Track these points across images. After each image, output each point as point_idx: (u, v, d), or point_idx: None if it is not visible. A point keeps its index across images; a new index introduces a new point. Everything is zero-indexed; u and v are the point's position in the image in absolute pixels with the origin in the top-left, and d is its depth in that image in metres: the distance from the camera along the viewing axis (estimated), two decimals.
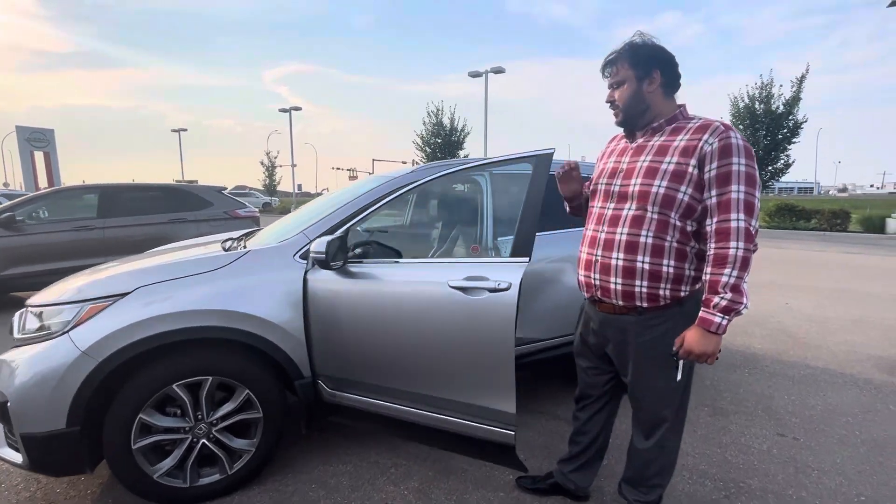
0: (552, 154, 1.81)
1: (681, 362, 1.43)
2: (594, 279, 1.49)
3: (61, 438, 1.66)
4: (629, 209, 1.43)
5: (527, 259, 1.68)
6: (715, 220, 1.33)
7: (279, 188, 38.26)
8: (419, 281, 1.86)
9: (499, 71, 20.68)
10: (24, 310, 1.89)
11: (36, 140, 24.83)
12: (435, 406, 1.87)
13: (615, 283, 1.44)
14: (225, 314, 1.82)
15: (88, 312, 1.73)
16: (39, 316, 1.78)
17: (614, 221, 1.46)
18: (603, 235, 1.47)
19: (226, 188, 7.02)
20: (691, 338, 1.33)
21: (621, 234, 1.43)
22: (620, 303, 1.45)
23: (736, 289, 1.27)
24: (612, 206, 1.48)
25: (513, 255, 1.73)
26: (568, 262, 2.58)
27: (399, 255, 2.06)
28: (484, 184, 2.54)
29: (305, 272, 1.96)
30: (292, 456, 2.21)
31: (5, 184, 49.48)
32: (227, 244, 2.41)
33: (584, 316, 1.70)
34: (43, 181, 24.23)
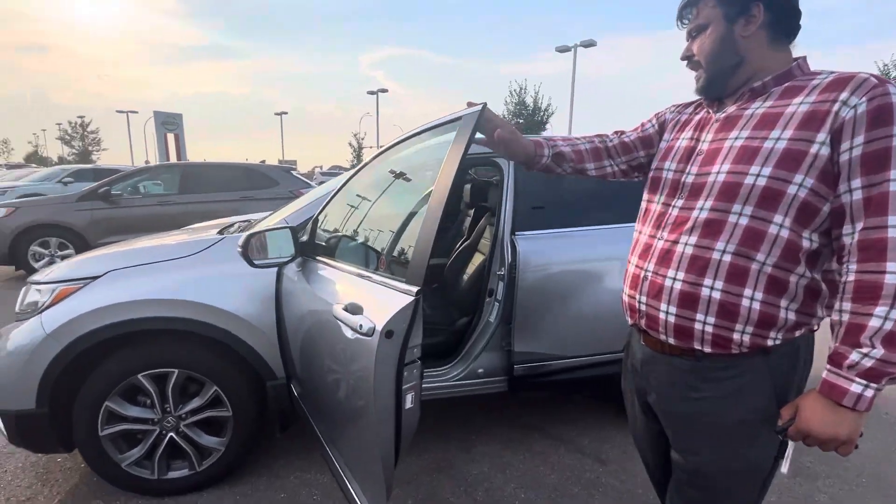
0: (479, 114, 1.12)
1: (790, 447, 0.94)
2: (639, 302, 1.05)
3: (31, 418, 1.66)
4: (702, 209, 0.96)
5: (417, 289, 1.11)
6: (859, 226, 0.82)
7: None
8: (319, 297, 1.51)
9: (589, 44, 19.11)
10: (27, 285, 1.95)
11: (168, 123, 28.43)
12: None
13: (666, 313, 0.98)
14: (189, 305, 1.70)
15: (59, 294, 1.71)
16: (33, 293, 1.81)
17: (679, 225, 0.99)
18: (660, 244, 1.01)
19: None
20: (811, 412, 0.86)
21: (686, 244, 0.96)
22: (671, 340, 1.00)
23: (893, 341, 0.77)
24: (681, 203, 1.01)
25: (407, 280, 1.17)
26: (609, 266, 2.11)
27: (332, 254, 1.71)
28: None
29: (279, 265, 1.76)
30: (274, 458, 2.08)
31: (147, 161, 57.97)
32: (234, 228, 2.32)
33: (627, 346, 1.25)
34: (173, 159, 27.77)
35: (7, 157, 53.56)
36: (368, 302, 1.20)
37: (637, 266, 1.05)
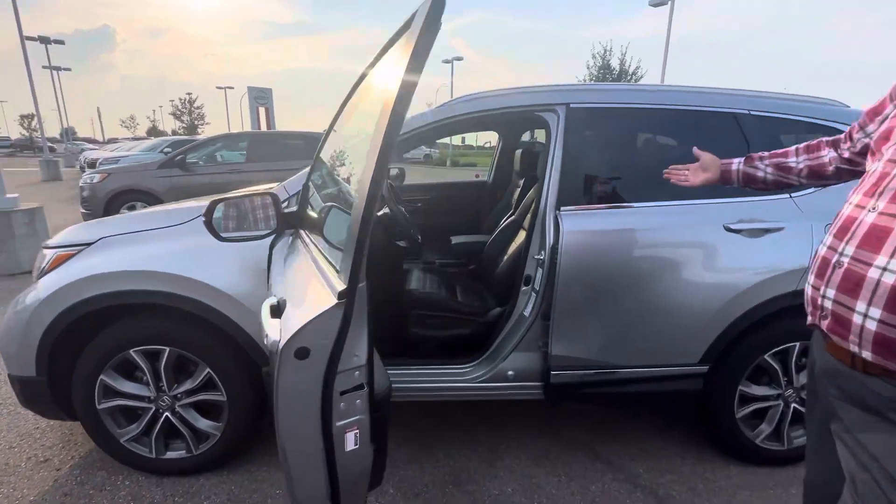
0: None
1: None
2: (824, 297, 0.80)
3: (33, 385, 1.63)
4: None
5: (341, 289, 0.80)
6: None
7: (439, 140, 39.71)
8: (278, 286, 1.25)
9: None
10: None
11: (260, 98, 30.23)
12: None
13: (864, 316, 0.73)
14: (172, 279, 1.53)
15: (56, 260, 1.62)
16: (40, 257, 1.76)
17: None
18: (870, 218, 0.75)
19: None
20: None
21: None
22: (867, 354, 0.74)
23: None
24: None
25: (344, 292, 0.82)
26: (685, 254, 1.62)
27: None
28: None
29: (273, 237, 1.52)
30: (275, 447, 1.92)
31: None
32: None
33: (809, 352, 0.97)
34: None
35: (133, 131, 61.03)
36: (302, 299, 0.88)
37: (830, 247, 0.81)
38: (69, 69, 32.72)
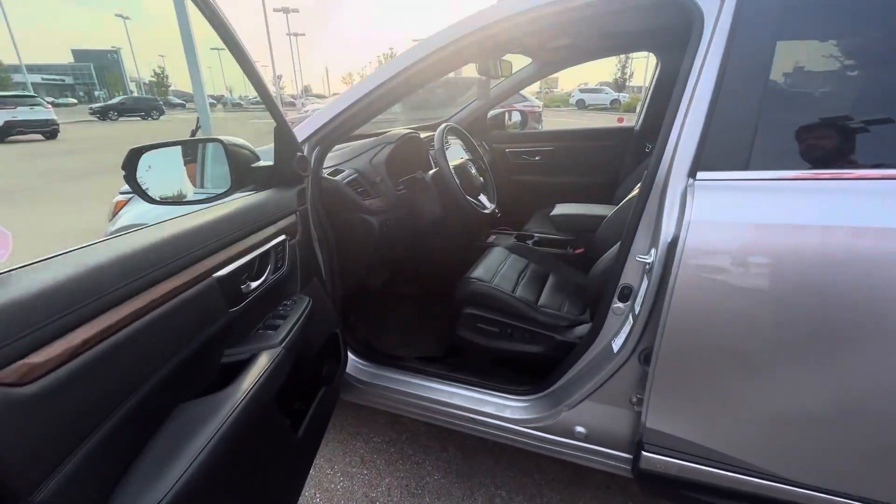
0: None
1: None
2: None
3: None
4: None
5: None
6: None
7: (630, 83, 34.54)
8: None
9: None
10: None
11: None
12: None
13: None
14: None
15: (116, 207, 1.63)
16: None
17: None
18: None
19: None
20: None
21: None
22: None
23: None
24: None
25: None
26: None
27: None
28: None
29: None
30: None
31: None
32: None
33: None
34: None
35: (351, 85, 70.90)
36: None
37: None
38: (303, 34, 39.48)
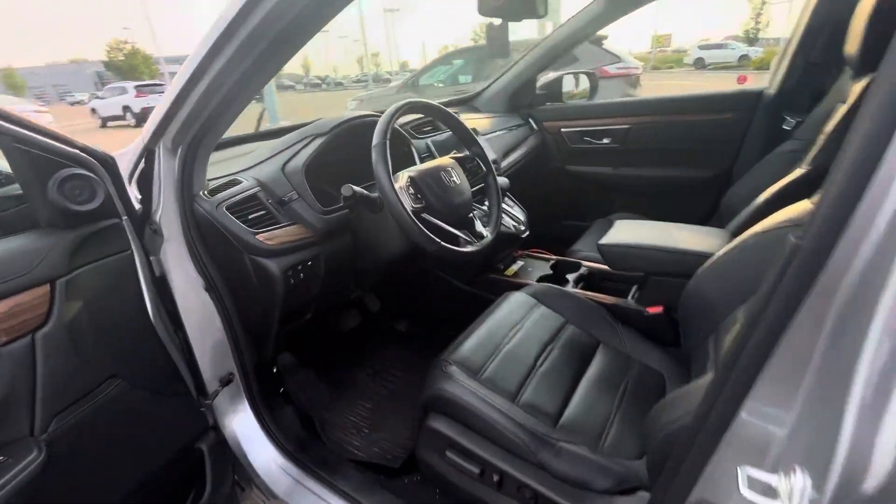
0: None
1: None
2: None
3: None
4: None
5: None
6: None
7: (763, 35, 28.23)
8: None
9: None
10: None
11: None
12: None
13: None
14: None
15: None
16: None
17: None
18: None
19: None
20: None
21: None
22: None
23: None
24: None
25: None
26: None
27: None
28: None
29: None
30: None
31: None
32: None
33: None
34: None
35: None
36: None
37: None
38: (397, 9, 40.30)
